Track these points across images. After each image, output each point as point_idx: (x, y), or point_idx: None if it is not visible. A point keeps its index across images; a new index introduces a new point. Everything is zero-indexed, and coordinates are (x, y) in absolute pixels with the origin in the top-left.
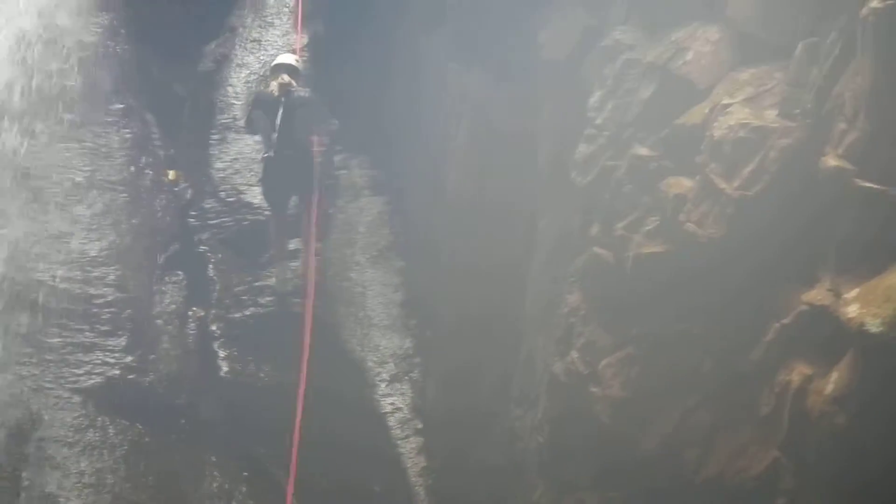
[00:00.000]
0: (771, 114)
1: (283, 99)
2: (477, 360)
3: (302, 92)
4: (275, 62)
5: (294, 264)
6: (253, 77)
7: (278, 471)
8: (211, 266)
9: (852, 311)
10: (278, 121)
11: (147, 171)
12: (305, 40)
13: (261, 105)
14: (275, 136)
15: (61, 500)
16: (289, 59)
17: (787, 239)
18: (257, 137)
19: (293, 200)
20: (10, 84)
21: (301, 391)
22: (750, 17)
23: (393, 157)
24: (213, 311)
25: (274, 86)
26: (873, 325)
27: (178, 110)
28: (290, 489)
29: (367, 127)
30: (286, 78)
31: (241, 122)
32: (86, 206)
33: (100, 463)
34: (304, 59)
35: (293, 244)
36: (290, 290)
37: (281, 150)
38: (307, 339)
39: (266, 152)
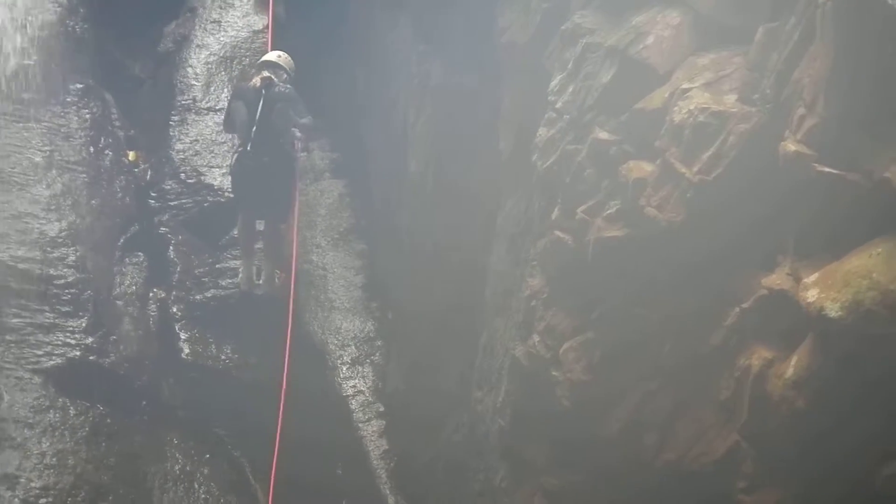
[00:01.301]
0: (730, 98)
1: (263, 91)
2: (439, 344)
3: (282, 87)
4: (261, 59)
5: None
6: (213, 58)
7: (239, 452)
8: (171, 248)
9: (812, 295)
10: (258, 113)
11: (107, 151)
12: (266, 22)
13: (240, 97)
14: (253, 129)
15: (22, 480)
16: (272, 55)
17: (747, 223)
18: (217, 120)
19: (264, 199)
20: None
21: (283, 386)
22: (710, 1)
23: (354, 140)
24: (174, 293)
25: (256, 80)
26: (832, 310)
27: (138, 91)
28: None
29: (328, 110)
30: (267, 73)
31: (222, 123)
32: (45, 186)
33: (61, 444)
34: (285, 54)
35: (259, 245)
36: (257, 291)
37: (257, 144)
38: (288, 342)
39: (241, 146)
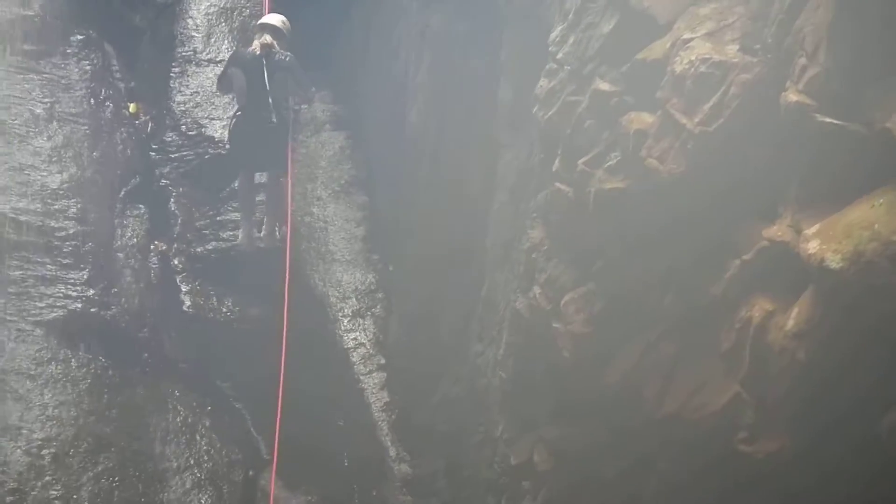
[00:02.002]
0: (732, 48)
1: (263, 60)
2: (440, 296)
3: (283, 55)
4: (260, 21)
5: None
6: (213, 9)
7: (241, 404)
8: (172, 200)
9: (812, 247)
10: (266, 83)
11: (107, 103)
12: None
13: (238, 63)
14: (269, 100)
15: (24, 431)
16: (274, 19)
17: (748, 175)
18: (218, 72)
19: (263, 158)
20: None
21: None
22: None
23: (354, 92)
24: (176, 246)
25: (256, 45)
26: (833, 262)
27: (138, 42)
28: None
29: (328, 62)
30: (268, 38)
31: (216, 83)
32: (46, 138)
33: (63, 396)
34: (284, 17)
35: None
36: (258, 245)
37: (255, 110)
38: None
39: (238, 111)
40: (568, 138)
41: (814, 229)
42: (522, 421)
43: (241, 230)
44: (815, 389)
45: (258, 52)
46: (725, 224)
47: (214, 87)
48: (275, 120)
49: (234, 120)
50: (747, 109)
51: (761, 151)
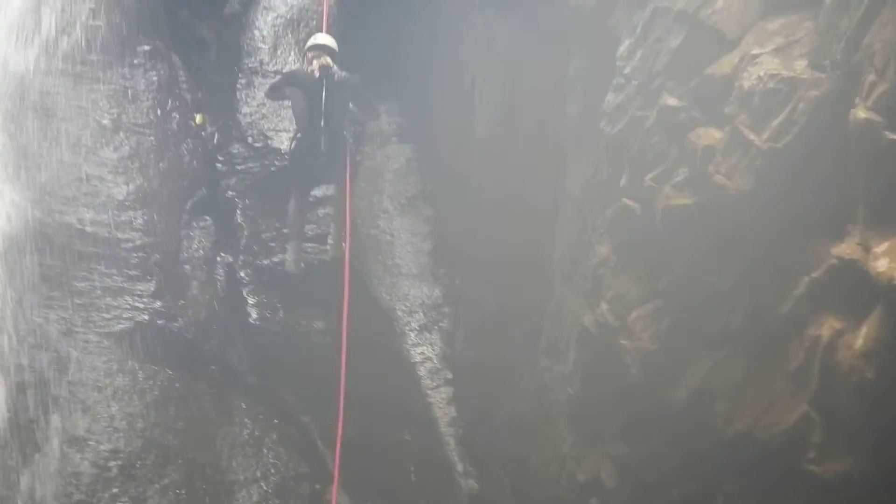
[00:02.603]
0: (800, 64)
1: (324, 81)
2: (506, 310)
3: (342, 74)
4: (312, 42)
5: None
6: (280, 20)
7: (308, 417)
8: (239, 212)
9: (882, 265)
10: (322, 106)
11: (174, 114)
12: None
13: (296, 83)
14: (321, 124)
15: (91, 443)
16: (326, 39)
17: (817, 191)
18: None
19: (320, 185)
20: (36, 25)
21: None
22: None
23: (420, 105)
24: (242, 258)
25: (315, 66)
26: None
27: (205, 53)
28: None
29: (393, 74)
30: (328, 60)
31: (266, 90)
32: (113, 149)
33: (130, 407)
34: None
35: (310, 229)
36: (302, 272)
37: (317, 132)
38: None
39: (298, 132)
40: (635, 153)
41: (883, 247)
42: (590, 437)
43: (288, 252)
44: (884, 409)
45: (318, 75)
46: (794, 241)
47: (266, 93)
48: (324, 148)
49: (294, 142)
50: (816, 126)
51: (829, 168)
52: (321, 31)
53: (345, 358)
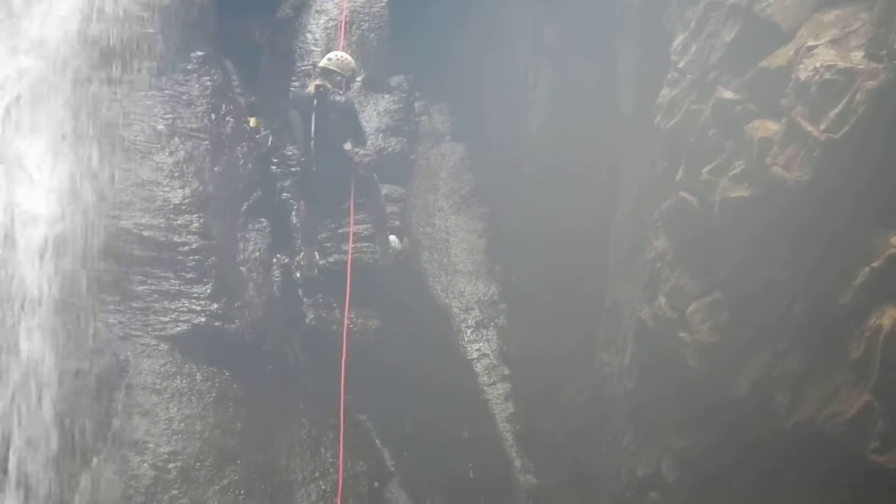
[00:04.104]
0: (857, 55)
1: (314, 102)
2: (562, 306)
3: (337, 97)
4: (320, 63)
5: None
6: (332, 24)
7: (365, 416)
8: (294, 213)
9: None
10: (312, 127)
11: (228, 118)
12: None
13: (296, 105)
14: (311, 144)
15: (150, 445)
16: (328, 62)
17: (875, 181)
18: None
19: (331, 197)
20: (89, 33)
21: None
22: None
23: (474, 103)
24: (298, 258)
25: (311, 86)
26: None
27: (258, 57)
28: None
29: (447, 73)
30: (320, 80)
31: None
32: (168, 153)
33: (188, 409)
34: (343, 55)
35: (323, 234)
36: (317, 275)
37: (315, 153)
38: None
39: (301, 156)
40: (691, 147)
41: None
42: (649, 431)
43: (301, 257)
44: None
45: (312, 93)
46: (853, 232)
47: (281, 128)
48: (315, 168)
49: (298, 168)
50: (873, 116)
51: (888, 158)
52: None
53: (344, 360)
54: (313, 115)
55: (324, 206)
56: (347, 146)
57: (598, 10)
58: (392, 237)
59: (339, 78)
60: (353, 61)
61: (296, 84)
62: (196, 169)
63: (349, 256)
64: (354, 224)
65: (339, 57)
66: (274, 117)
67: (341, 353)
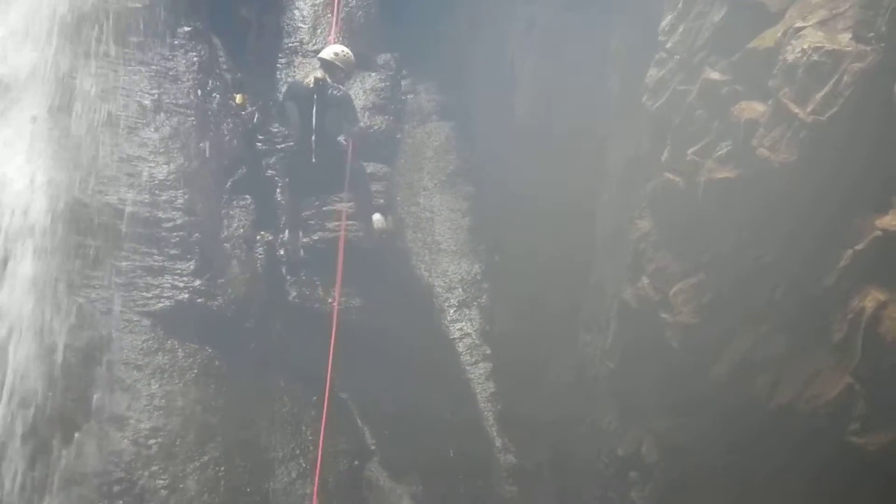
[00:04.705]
0: (844, 37)
1: (315, 95)
2: (545, 286)
3: (335, 90)
4: (324, 56)
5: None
6: (319, 0)
7: (346, 394)
8: (279, 190)
9: None
10: (313, 121)
11: (214, 94)
12: None
13: (293, 96)
14: (312, 138)
15: (132, 421)
16: (329, 53)
17: (861, 164)
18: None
19: (318, 185)
20: (74, 6)
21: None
22: None
23: (461, 82)
24: (281, 236)
25: (310, 78)
26: None
27: (245, 34)
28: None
29: (434, 52)
30: (321, 73)
31: (276, 112)
32: (153, 129)
33: (170, 385)
34: (344, 49)
35: (307, 211)
36: (300, 259)
37: (309, 144)
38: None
39: (294, 145)
40: (678, 128)
41: None
42: (630, 411)
43: (288, 236)
44: None
45: (311, 86)
46: (838, 214)
47: (276, 116)
48: (315, 160)
49: (289, 153)
50: (860, 98)
51: (874, 140)
52: (332, 38)
53: (333, 340)
54: (314, 109)
55: (312, 194)
56: (341, 139)
57: None
58: (376, 215)
59: (341, 74)
60: (353, 56)
61: (283, 61)
62: (181, 145)
63: (342, 238)
64: (339, 202)
65: (344, 53)
66: (260, 94)
67: (325, 330)
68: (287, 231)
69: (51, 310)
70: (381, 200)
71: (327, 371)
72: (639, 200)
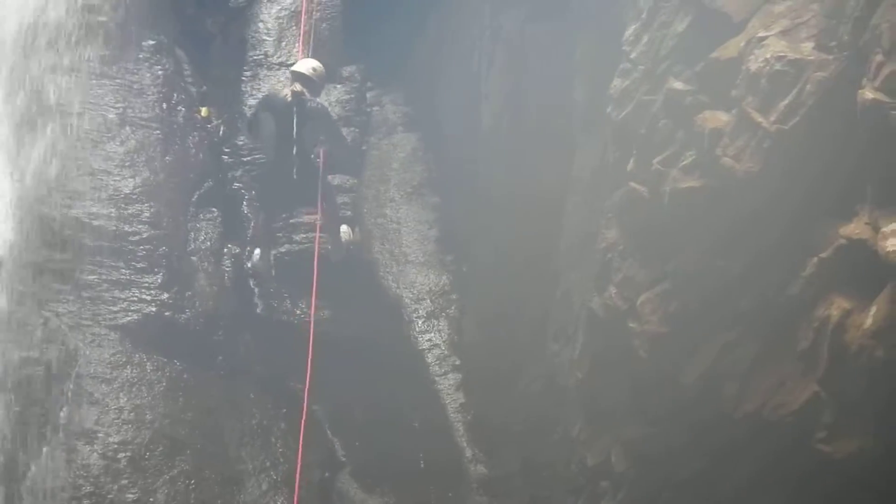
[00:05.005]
0: (807, 46)
1: (294, 108)
2: (514, 296)
3: (315, 104)
4: (293, 68)
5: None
6: (284, 13)
7: (316, 406)
8: (245, 203)
9: (891, 244)
10: (294, 133)
11: (179, 107)
12: None
13: (269, 108)
14: (294, 152)
15: (100, 435)
16: (305, 66)
17: (825, 173)
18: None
19: (290, 199)
20: (39, 21)
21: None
22: None
23: (427, 93)
24: (248, 248)
25: (287, 91)
26: None
27: (210, 47)
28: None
29: (400, 63)
30: (298, 87)
31: (244, 125)
32: (119, 143)
33: (138, 399)
34: (317, 64)
35: (275, 225)
36: (271, 275)
37: (282, 158)
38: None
39: (266, 157)
40: (643, 138)
41: (891, 227)
42: (599, 421)
43: (256, 257)
44: (894, 388)
45: (289, 100)
46: (802, 222)
47: (243, 128)
48: (296, 175)
49: (257, 167)
50: (823, 107)
51: (838, 149)
52: (301, 51)
53: (311, 349)
54: (294, 122)
55: (282, 208)
56: (314, 154)
57: (555, 1)
58: (343, 227)
59: (317, 88)
60: (324, 71)
61: (248, 74)
62: (147, 158)
63: (316, 250)
64: (306, 214)
65: (320, 68)
66: (226, 107)
67: (293, 342)
68: (258, 250)
69: (18, 324)
70: (349, 212)
71: (298, 383)
72: (605, 210)
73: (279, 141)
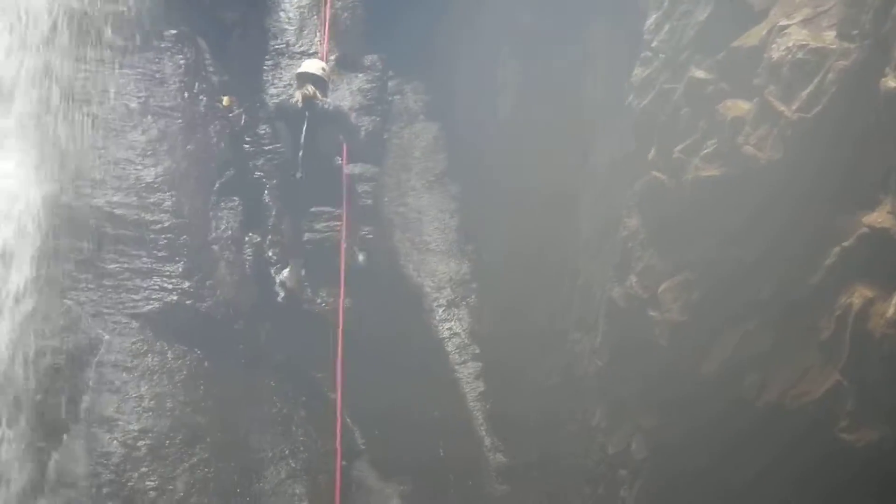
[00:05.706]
0: (829, 35)
1: (307, 112)
2: (534, 285)
3: (327, 105)
4: (299, 70)
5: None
6: (305, 2)
7: (336, 395)
8: (266, 192)
9: None
10: (302, 136)
11: (201, 97)
12: None
13: (283, 116)
14: (300, 154)
15: (121, 423)
16: (313, 66)
17: (847, 161)
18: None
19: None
20: (61, 11)
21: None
22: None
23: (447, 82)
24: (270, 237)
25: (298, 96)
26: None
27: (231, 36)
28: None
29: (420, 53)
30: (310, 89)
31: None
32: (141, 132)
33: (159, 388)
34: (331, 66)
35: (308, 241)
36: (301, 289)
37: (306, 166)
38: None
39: (292, 172)
40: (664, 126)
41: None
42: (619, 410)
43: (288, 270)
44: None
45: (300, 105)
46: (824, 211)
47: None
48: (299, 175)
49: (281, 156)
50: (845, 96)
51: (860, 137)
52: (324, 40)
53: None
54: (304, 126)
55: (302, 209)
56: (337, 158)
57: None
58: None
59: (327, 87)
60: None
61: (269, 63)
62: (169, 147)
63: (342, 256)
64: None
65: (327, 66)
66: (247, 96)
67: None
68: (288, 267)
69: (40, 313)
70: (369, 201)
71: (318, 371)
72: (625, 199)
73: (294, 150)
